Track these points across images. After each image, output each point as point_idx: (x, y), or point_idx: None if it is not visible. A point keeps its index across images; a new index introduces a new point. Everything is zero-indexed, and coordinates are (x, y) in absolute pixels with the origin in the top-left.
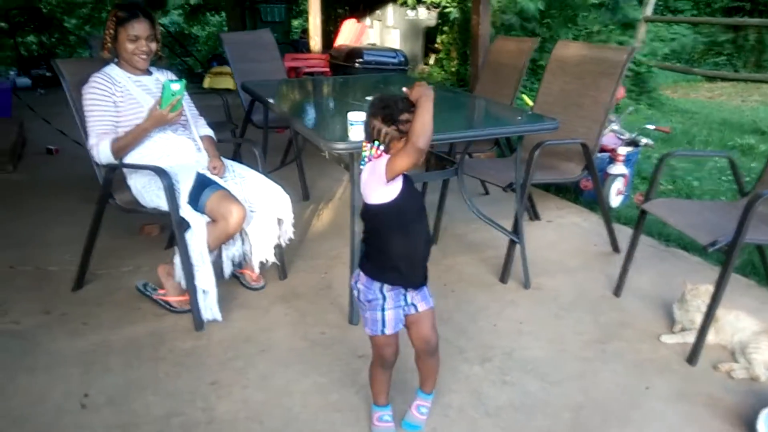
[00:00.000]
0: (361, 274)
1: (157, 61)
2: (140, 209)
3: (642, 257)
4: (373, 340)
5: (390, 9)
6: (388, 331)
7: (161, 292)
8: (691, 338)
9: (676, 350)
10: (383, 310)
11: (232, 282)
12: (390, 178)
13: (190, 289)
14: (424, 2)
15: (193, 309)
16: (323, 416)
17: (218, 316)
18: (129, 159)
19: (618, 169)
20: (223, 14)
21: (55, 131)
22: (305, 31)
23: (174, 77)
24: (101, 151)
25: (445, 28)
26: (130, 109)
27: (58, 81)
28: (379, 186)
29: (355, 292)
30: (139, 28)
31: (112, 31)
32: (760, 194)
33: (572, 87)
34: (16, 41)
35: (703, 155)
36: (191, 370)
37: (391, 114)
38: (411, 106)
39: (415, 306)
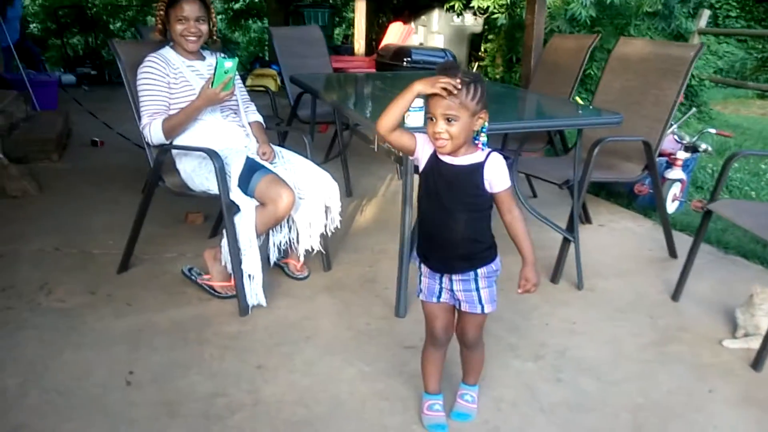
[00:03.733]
0: None
1: (211, 44)
2: (189, 193)
3: (700, 263)
4: (423, 307)
5: (435, 14)
6: (422, 297)
7: (206, 277)
8: (755, 344)
9: (739, 355)
10: (420, 275)
11: (276, 271)
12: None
13: (237, 274)
14: (471, 8)
15: (239, 293)
16: (370, 404)
17: (263, 302)
18: (179, 142)
19: (676, 173)
20: (266, 20)
21: (99, 125)
22: (347, 37)
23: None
24: (153, 131)
25: (491, 36)
26: (182, 92)
27: (102, 79)
28: None
29: None
30: (187, 8)
31: (162, 13)
32: None
33: (634, 85)
34: (63, 41)
35: None
36: (236, 353)
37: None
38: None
39: (457, 301)
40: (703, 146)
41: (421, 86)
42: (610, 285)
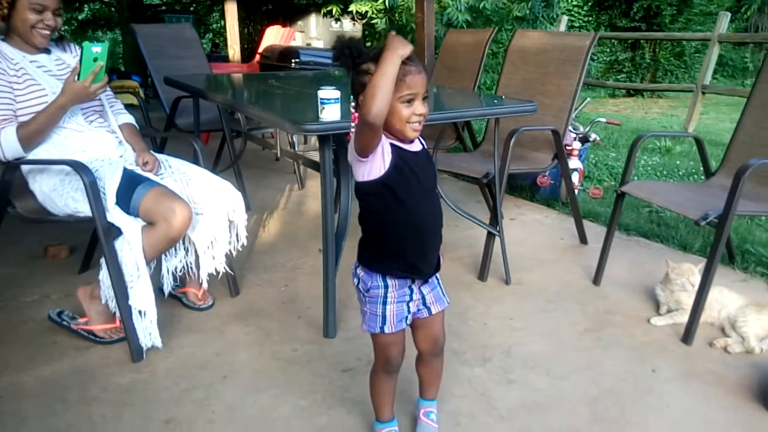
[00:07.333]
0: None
1: (57, 42)
2: (50, 219)
3: (610, 247)
4: (375, 338)
5: (313, 20)
6: (389, 329)
7: (82, 320)
8: (679, 318)
9: (667, 331)
10: (385, 303)
11: (173, 303)
12: (361, 155)
13: (124, 311)
14: (350, 13)
15: (129, 335)
16: None
17: (158, 342)
18: (32, 156)
19: (573, 163)
20: (117, 31)
21: None
22: (216, 45)
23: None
24: (5, 142)
25: (371, 42)
26: (29, 94)
27: None
28: (357, 162)
29: (355, 281)
30: None
31: None
32: (748, 165)
33: (535, 76)
34: None
35: (673, 135)
36: (136, 408)
37: (352, 58)
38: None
39: (428, 308)
40: (593, 136)
41: (402, 49)
42: (535, 277)
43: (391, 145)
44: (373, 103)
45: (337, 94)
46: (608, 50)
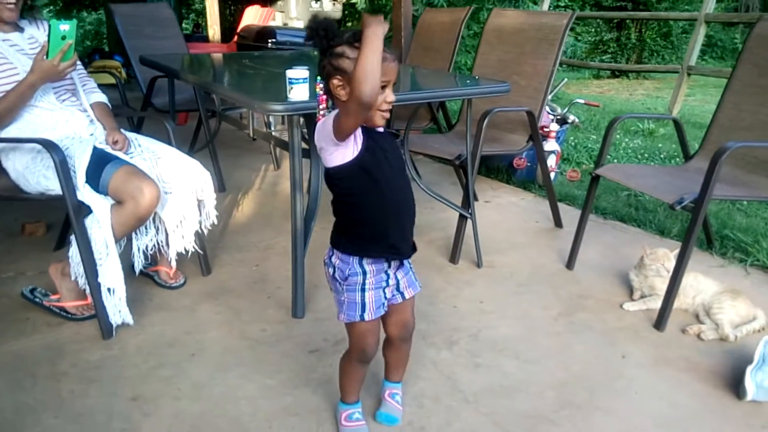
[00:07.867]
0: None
1: (28, 13)
2: (22, 196)
3: (585, 231)
4: (351, 328)
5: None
6: (368, 316)
7: (54, 297)
8: (653, 304)
9: (640, 317)
10: (363, 290)
11: (144, 281)
12: (340, 139)
13: (93, 289)
14: None
15: (99, 312)
16: (278, 423)
17: (128, 319)
18: (3, 135)
19: (550, 145)
20: (102, 11)
21: None
22: (198, 26)
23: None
24: None
25: (351, 22)
26: (2, 73)
27: None
28: (331, 147)
29: (330, 270)
30: None
31: None
32: (725, 148)
33: (511, 56)
34: None
35: (652, 117)
36: (104, 385)
37: (327, 40)
38: (355, 41)
39: (402, 293)
40: (572, 118)
41: (380, 28)
42: (507, 260)
43: (361, 126)
44: (367, 83)
45: (305, 73)
46: (593, 30)
